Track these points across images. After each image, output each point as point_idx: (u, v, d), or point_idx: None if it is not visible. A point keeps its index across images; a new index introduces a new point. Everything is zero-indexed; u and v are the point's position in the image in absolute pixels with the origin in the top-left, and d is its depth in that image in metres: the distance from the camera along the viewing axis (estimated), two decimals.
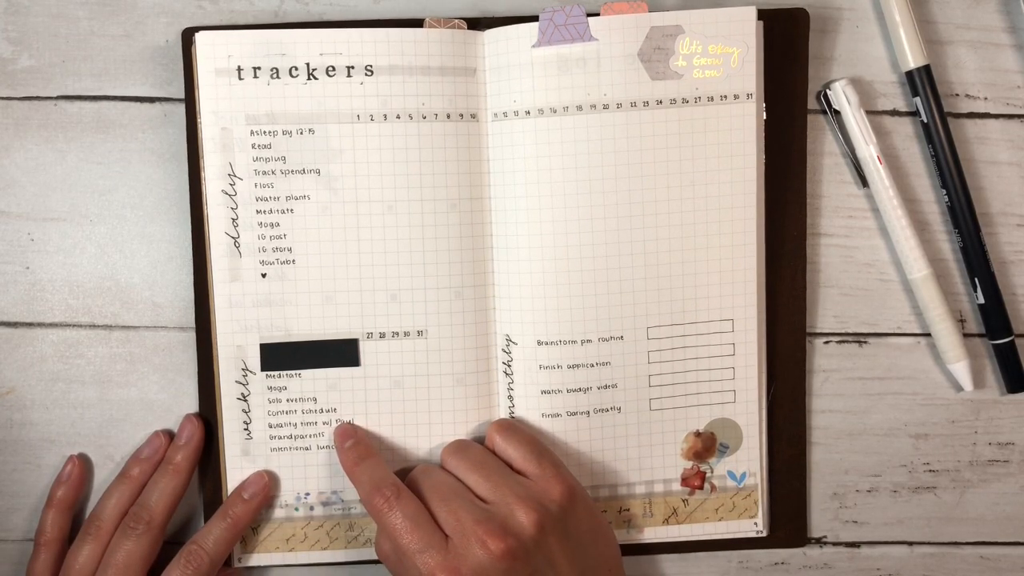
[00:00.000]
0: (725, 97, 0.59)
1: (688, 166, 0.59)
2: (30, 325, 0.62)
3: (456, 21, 0.59)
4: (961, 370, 0.62)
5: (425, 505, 0.56)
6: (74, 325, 0.62)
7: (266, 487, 0.60)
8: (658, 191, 0.59)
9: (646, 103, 0.59)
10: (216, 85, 0.58)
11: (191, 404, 0.62)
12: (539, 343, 0.60)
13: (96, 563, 0.58)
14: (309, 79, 0.58)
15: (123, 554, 0.58)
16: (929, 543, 0.65)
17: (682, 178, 0.59)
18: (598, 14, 0.58)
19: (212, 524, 0.59)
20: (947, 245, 0.63)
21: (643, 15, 0.58)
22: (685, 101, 0.59)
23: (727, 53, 0.59)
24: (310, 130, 0.59)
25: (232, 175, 0.59)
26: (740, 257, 0.61)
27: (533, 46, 0.58)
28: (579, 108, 0.59)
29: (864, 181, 0.62)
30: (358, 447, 0.59)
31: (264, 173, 0.59)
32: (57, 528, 0.60)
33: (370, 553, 0.61)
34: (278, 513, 0.61)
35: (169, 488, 0.59)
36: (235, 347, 0.60)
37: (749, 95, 0.59)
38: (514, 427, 0.60)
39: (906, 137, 0.63)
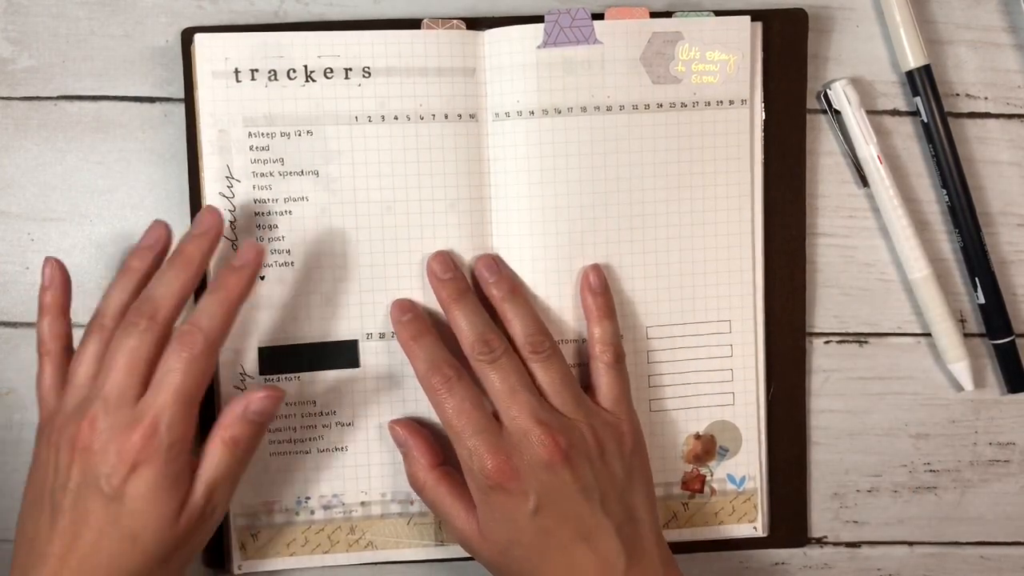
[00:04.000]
0: (721, 102, 0.60)
1: (687, 168, 0.60)
2: (30, 325, 0.62)
3: (454, 21, 0.59)
4: (961, 370, 0.62)
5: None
6: (74, 325, 0.62)
7: (259, 253, 0.55)
8: (657, 192, 0.60)
9: (647, 106, 0.59)
10: (214, 87, 0.58)
11: None
12: None
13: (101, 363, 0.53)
14: (307, 81, 0.58)
15: (126, 353, 0.51)
16: (929, 543, 0.65)
17: (680, 180, 0.60)
18: (600, 16, 0.59)
19: (203, 302, 0.53)
20: (947, 245, 0.63)
21: (645, 21, 0.59)
22: (684, 105, 0.59)
23: (724, 60, 0.59)
24: (308, 132, 0.59)
25: (230, 177, 0.59)
26: (736, 259, 0.61)
27: (538, 47, 0.58)
28: (583, 109, 0.59)
29: (864, 181, 0.62)
30: (417, 321, 0.58)
31: (262, 175, 0.59)
32: (55, 336, 0.56)
33: (372, 556, 0.61)
34: (278, 518, 0.61)
35: (177, 282, 0.53)
36: (232, 351, 0.59)
37: (744, 101, 0.60)
38: (623, 362, 0.59)
39: (906, 137, 0.63)
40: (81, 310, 0.61)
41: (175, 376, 0.51)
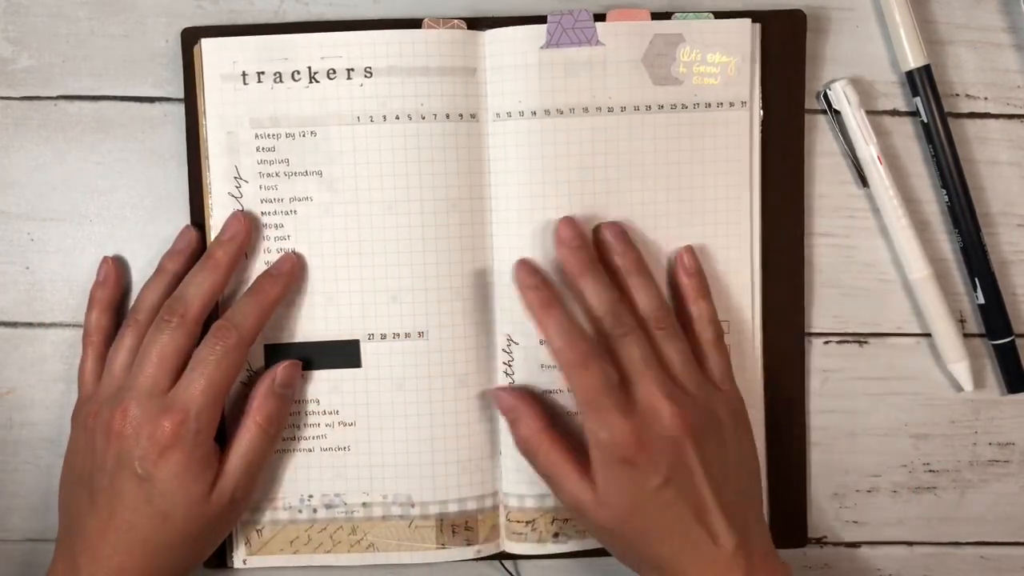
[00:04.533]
0: (722, 104, 0.60)
1: (687, 169, 0.60)
2: (30, 325, 0.62)
3: (455, 21, 0.59)
4: (961, 370, 0.62)
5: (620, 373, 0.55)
6: (74, 325, 0.62)
7: (295, 265, 0.59)
8: (657, 193, 0.60)
9: (648, 107, 0.59)
10: (222, 90, 0.58)
11: None
12: (540, 342, 0.60)
13: (136, 356, 0.57)
14: (311, 82, 0.58)
15: (158, 347, 0.55)
16: (929, 543, 0.65)
17: (680, 181, 0.60)
18: (602, 17, 0.59)
19: (241, 301, 0.58)
20: (947, 245, 0.63)
21: (647, 22, 0.59)
22: (684, 107, 0.59)
23: (724, 62, 0.59)
24: (312, 132, 0.59)
25: (238, 178, 0.59)
26: (735, 260, 0.61)
27: (541, 48, 0.58)
28: (584, 110, 0.59)
29: (864, 181, 0.62)
30: (547, 288, 0.57)
31: (268, 175, 0.59)
32: (99, 328, 0.60)
33: (372, 558, 0.61)
34: (282, 515, 0.61)
35: (207, 283, 0.57)
36: None
37: (744, 103, 0.60)
38: (723, 339, 0.60)
39: (906, 137, 0.63)
40: (79, 309, 0.61)
41: (208, 367, 0.55)
